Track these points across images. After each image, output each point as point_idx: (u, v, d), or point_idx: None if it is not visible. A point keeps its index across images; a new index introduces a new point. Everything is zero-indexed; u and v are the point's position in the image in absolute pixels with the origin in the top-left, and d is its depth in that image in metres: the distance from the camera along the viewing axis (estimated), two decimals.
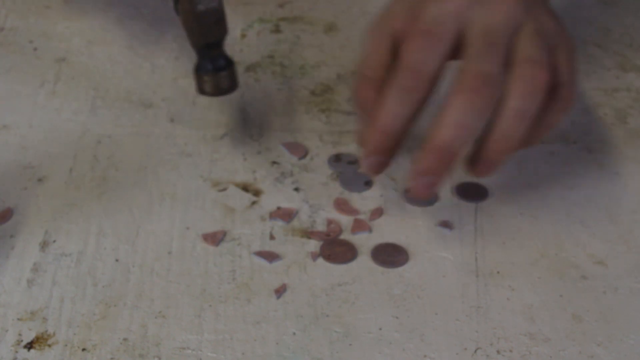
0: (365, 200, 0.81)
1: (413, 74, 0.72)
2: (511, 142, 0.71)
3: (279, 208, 0.79)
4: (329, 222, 0.77)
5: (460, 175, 0.83)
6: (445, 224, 0.78)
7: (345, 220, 0.78)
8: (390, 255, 0.75)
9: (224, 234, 0.76)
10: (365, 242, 0.76)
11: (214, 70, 0.81)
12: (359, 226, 0.77)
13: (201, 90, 0.82)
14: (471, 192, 0.81)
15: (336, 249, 0.74)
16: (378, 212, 0.79)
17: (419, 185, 0.72)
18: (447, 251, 0.76)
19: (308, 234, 0.76)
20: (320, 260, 0.74)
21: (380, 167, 0.75)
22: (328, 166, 0.84)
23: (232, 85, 0.83)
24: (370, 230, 0.77)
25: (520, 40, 0.73)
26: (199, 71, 0.81)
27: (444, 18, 0.73)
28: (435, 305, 0.71)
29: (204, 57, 0.81)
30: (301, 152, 0.86)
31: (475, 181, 0.82)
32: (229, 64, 0.82)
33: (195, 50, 0.82)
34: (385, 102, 0.73)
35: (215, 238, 0.76)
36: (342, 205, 0.79)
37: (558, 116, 0.74)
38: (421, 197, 0.73)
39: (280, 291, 0.71)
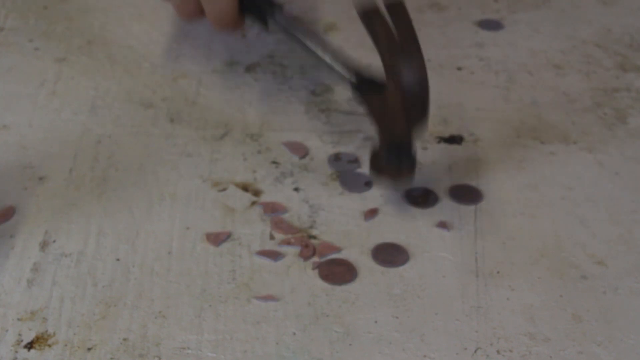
0: (365, 201, 0.81)
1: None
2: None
3: (268, 202, 0.79)
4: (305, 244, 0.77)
5: (453, 177, 0.83)
6: (443, 225, 0.78)
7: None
8: (390, 254, 0.75)
9: (227, 235, 0.76)
10: (365, 241, 0.76)
11: (402, 167, 0.79)
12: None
13: (377, 173, 0.80)
14: (465, 195, 0.81)
15: (334, 269, 0.74)
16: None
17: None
18: (447, 251, 0.76)
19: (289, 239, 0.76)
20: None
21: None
22: (328, 166, 0.84)
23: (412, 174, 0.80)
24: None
25: None
26: (385, 163, 0.78)
27: None
28: (435, 305, 0.71)
29: (392, 151, 0.78)
30: (302, 151, 0.86)
31: (469, 184, 0.82)
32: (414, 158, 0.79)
33: (384, 142, 0.78)
34: None
35: (217, 238, 0.76)
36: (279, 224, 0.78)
37: None
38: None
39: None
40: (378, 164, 0.79)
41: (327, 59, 0.83)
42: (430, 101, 0.77)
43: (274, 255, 0.74)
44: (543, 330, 0.69)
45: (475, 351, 0.67)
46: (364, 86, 0.79)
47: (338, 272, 0.73)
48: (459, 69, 0.99)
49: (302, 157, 0.85)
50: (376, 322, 0.69)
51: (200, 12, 0.89)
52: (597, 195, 0.82)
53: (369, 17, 0.77)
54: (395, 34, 0.76)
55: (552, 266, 0.75)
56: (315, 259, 0.74)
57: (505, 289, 0.73)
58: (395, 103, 0.76)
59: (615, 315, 0.71)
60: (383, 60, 0.76)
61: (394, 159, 0.78)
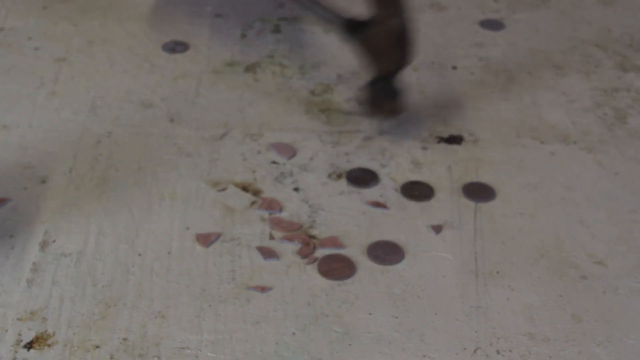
0: (364, 201, 0.81)
1: None
2: None
3: (266, 198, 0.80)
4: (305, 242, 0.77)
5: (453, 177, 0.84)
6: (436, 228, 0.78)
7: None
8: (384, 252, 0.75)
9: (217, 235, 0.76)
10: (365, 241, 0.76)
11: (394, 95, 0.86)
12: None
13: (377, 111, 0.88)
14: (478, 193, 0.81)
15: (334, 265, 0.74)
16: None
17: None
18: (447, 251, 0.76)
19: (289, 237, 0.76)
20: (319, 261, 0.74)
21: None
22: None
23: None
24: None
25: None
26: (379, 94, 0.86)
27: None
28: (435, 305, 0.71)
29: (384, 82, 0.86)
30: (289, 152, 0.85)
31: (481, 182, 0.82)
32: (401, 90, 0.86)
33: (374, 75, 0.86)
34: None
35: (207, 239, 0.76)
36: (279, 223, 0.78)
37: None
38: None
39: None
40: (366, 96, 0.87)
41: (317, 7, 0.89)
42: (415, 39, 0.84)
43: (272, 255, 0.74)
44: (543, 330, 0.69)
45: (475, 351, 0.67)
46: (354, 26, 0.86)
47: (337, 267, 0.73)
48: (459, 68, 0.99)
49: (291, 157, 0.85)
50: (376, 322, 0.69)
51: None
52: (596, 195, 0.82)
53: None
54: None
55: (552, 266, 0.75)
56: (315, 255, 0.74)
57: (505, 289, 0.73)
58: (386, 35, 0.83)
59: (615, 315, 0.71)
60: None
61: (381, 92, 0.86)
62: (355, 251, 0.75)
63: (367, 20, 0.85)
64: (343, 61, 0.99)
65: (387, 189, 0.82)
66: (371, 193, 0.81)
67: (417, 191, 0.81)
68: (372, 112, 0.88)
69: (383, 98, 0.86)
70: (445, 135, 0.89)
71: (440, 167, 0.84)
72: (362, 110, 0.88)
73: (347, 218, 0.79)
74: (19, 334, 0.67)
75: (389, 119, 0.88)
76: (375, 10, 0.83)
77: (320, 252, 0.75)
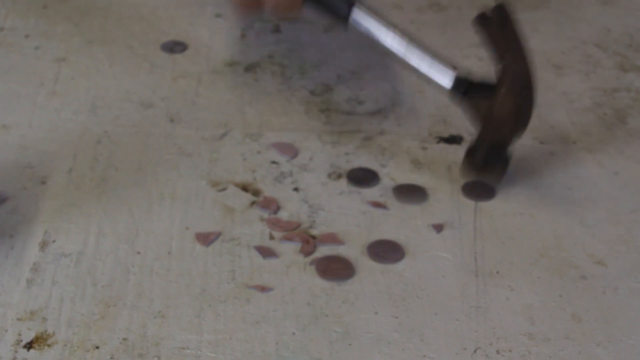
0: (364, 203, 0.81)
1: None
2: None
3: (264, 197, 0.80)
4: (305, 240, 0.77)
5: (453, 177, 0.83)
6: (437, 228, 0.78)
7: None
8: (384, 250, 0.75)
9: (217, 235, 0.76)
10: (365, 241, 0.76)
11: (498, 167, 0.81)
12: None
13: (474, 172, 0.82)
14: (478, 192, 0.81)
15: (332, 265, 0.74)
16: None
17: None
18: (446, 251, 0.76)
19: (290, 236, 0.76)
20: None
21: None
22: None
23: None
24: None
25: None
26: (483, 163, 0.81)
27: None
28: (434, 305, 0.71)
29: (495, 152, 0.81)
30: (291, 152, 0.85)
31: (481, 181, 0.82)
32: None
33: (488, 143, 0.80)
34: None
35: (207, 239, 0.76)
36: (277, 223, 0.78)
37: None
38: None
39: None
40: (474, 161, 0.82)
41: (424, 66, 0.84)
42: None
43: (267, 254, 0.74)
44: (543, 330, 0.69)
45: (475, 351, 0.67)
46: (469, 89, 0.81)
47: (335, 268, 0.73)
48: (459, 68, 0.99)
49: (293, 157, 0.85)
50: (376, 322, 0.69)
51: (259, 4, 0.86)
52: (596, 195, 0.82)
53: (503, 19, 0.79)
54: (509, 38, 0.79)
55: (552, 266, 0.75)
56: (315, 255, 0.74)
57: (504, 288, 0.73)
58: (507, 108, 0.78)
59: (614, 315, 0.71)
60: (501, 63, 0.79)
61: (491, 160, 0.81)
62: (355, 251, 0.75)
63: (485, 84, 0.80)
64: (343, 61, 0.99)
65: (387, 189, 0.82)
66: (371, 193, 0.82)
67: (409, 195, 0.81)
68: (478, 174, 0.82)
69: (495, 165, 0.81)
70: (445, 135, 0.89)
71: (440, 167, 0.84)
72: (465, 170, 0.82)
73: (347, 218, 0.79)
74: (19, 334, 0.67)
75: (494, 183, 0.82)
76: (500, 76, 0.78)
77: (320, 250, 0.75)
